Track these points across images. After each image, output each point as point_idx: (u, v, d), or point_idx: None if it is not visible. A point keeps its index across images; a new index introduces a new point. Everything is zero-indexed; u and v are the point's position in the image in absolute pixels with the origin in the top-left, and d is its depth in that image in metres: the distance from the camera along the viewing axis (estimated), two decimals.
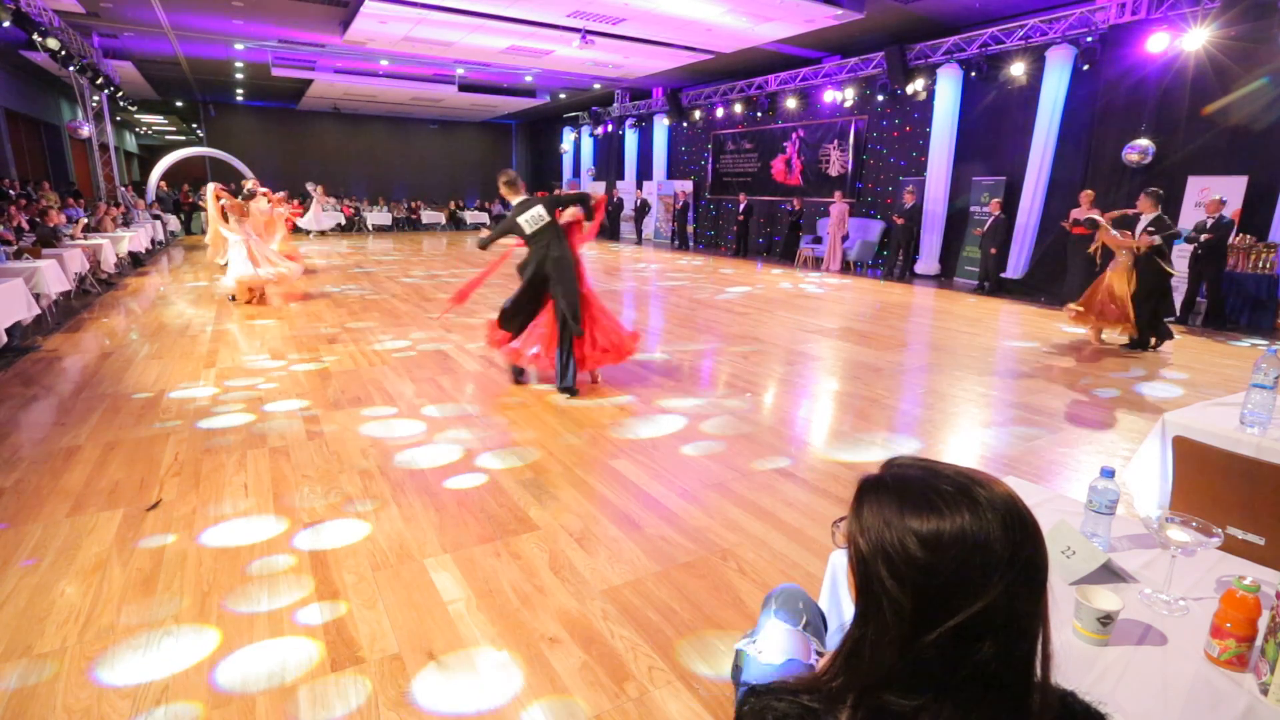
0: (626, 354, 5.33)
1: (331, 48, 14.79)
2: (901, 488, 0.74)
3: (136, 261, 12.98)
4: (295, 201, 16.56)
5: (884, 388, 5.46)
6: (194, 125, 25.45)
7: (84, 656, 2.21)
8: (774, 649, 1.33)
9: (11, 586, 2.59)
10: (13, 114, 14.84)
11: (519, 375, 5.37)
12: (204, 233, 13.33)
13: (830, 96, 13.86)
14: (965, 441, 4.36)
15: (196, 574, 2.69)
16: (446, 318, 7.90)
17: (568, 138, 24.68)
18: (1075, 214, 8.89)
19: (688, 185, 18.77)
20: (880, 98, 13.18)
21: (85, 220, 11.56)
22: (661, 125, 19.53)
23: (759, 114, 16.04)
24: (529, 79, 18.35)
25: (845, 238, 13.64)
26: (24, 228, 9.81)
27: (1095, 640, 1.26)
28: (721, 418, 4.66)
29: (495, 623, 2.41)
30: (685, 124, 18.64)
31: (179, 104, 23.19)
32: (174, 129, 29.15)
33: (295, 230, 16.11)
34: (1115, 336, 7.23)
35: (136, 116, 23.97)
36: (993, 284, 10.87)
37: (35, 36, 9.69)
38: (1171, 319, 7.72)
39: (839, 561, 1.65)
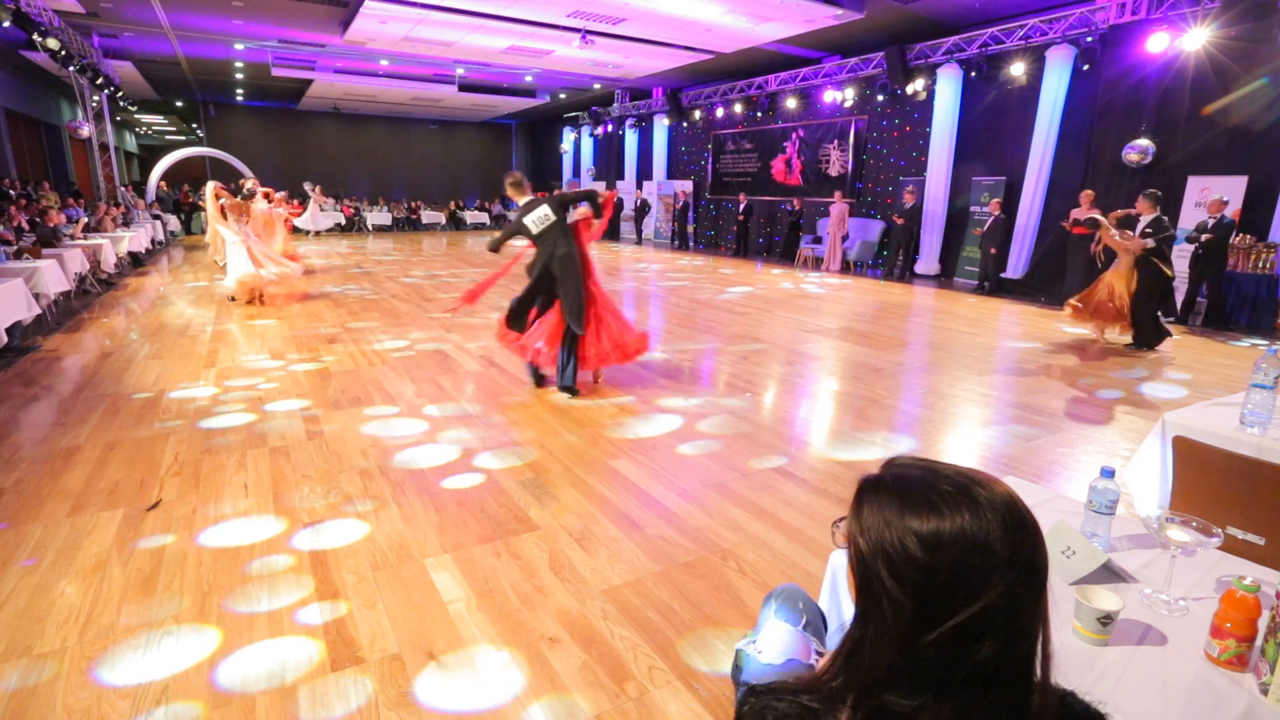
0: (631, 355, 5.24)
1: (331, 48, 14.79)
2: (901, 488, 0.74)
3: (136, 261, 12.98)
4: (294, 202, 16.55)
5: (884, 387, 5.46)
6: (194, 125, 25.45)
7: (84, 656, 2.21)
8: (774, 649, 1.32)
9: (11, 586, 2.59)
10: (13, 114, 14.84)
11: (539, 378, 5.29)
12: (204, 232, 13.33)
13: (830, 96, 13.86)
14: (965, 441, 4.36)
15: (196, 574, 2.69)
16: (446, 317, 7.91)
17: (568, 138, 24.66)
18: (1075, 214, 8.89)
19: (688, 185, 18.77)
20: (880, 98, 13.18)
21: (85, 220, 11.56)
22: (661, 125, 19.52)
23: (759, 114, 16.03)
24: (529, 79, 18.35)
25: (845, 238, 13.63)
26: (24, 228, 9.81)
27: (1095, 640, 1.26)
28: (721, 417, 4.66)
29: (495, 623, 2.41)
30: (685, 124, 18.63)
31: (179, 104, 23.19)
32: (174, 129, 29.14)
33: (294, 230, 16.10)
34: (1118, 336, 7.23)
35: (136, 116, 23.97)
36: (993, 284, 10.87)
37: (35, 36, 9.69)
38: (1171, 319, 7.73)
39: (839, 561, 1.65)
